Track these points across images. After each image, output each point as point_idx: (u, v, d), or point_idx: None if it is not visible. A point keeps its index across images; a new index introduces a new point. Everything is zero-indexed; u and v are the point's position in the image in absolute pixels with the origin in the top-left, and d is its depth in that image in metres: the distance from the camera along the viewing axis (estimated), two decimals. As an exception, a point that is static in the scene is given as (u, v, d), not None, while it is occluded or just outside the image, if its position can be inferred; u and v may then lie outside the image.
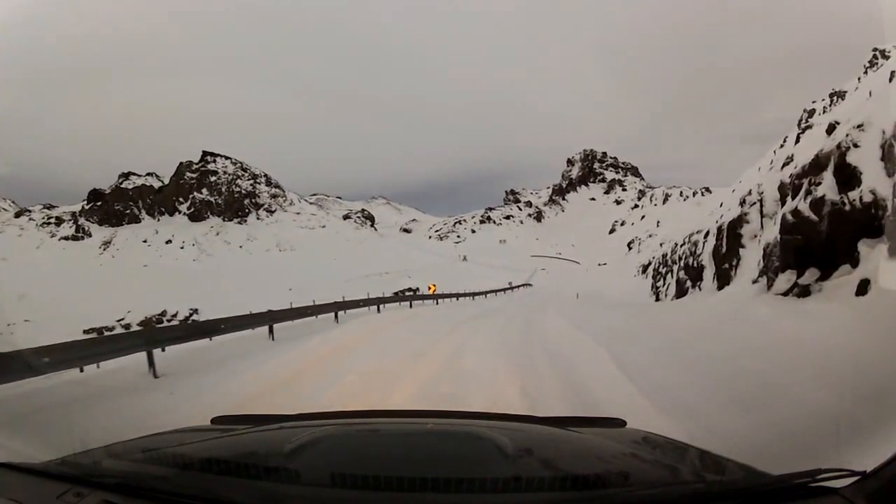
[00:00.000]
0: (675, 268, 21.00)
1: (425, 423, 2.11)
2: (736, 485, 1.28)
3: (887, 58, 23.04)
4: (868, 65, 24.43)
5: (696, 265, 16.85)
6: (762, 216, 13.47)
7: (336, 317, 16.60)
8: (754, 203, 14.17)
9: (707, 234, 17.12)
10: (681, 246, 21.75)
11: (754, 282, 11.44)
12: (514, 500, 1.23)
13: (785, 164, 13.48)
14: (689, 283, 17.55)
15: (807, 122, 31.00)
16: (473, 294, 34.78)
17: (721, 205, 30.52)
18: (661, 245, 42.25)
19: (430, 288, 25.00)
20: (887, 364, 3.86)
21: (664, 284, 22.48)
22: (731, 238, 14.25)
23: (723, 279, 13.99)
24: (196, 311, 48.50)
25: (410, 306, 22.59)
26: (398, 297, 23.15)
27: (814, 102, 31.48)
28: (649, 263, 37.72)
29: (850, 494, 1.09)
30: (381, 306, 20.55)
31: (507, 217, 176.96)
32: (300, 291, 46.03)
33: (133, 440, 1.74)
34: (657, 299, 22.59)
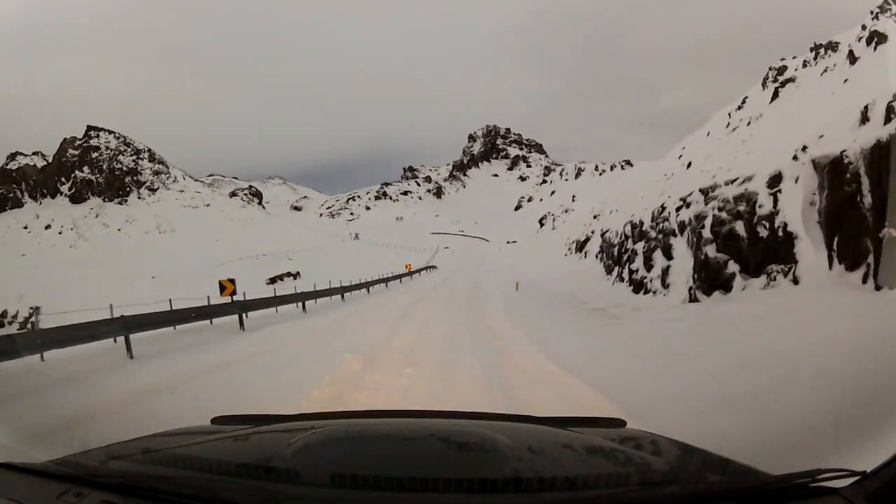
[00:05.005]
0: (681, 241, 14.03)
1: (425, 423, 2.08)
2: (736, 485, 1.30)
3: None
4: (878, 10, 21.50)
5: (764, 234, 9.76)
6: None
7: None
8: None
9: (775, 179, 10.04)
10: (679, 209, 14.86)
11: None
12: (514, 500, 1.24)
13: None
14: (732, 269, 10.48)
15: (775, 79, 29.19)
16: (344, 290, 21.84)
17: (705, 160, 24.88)
18: (595, 218, 36.66)
19: (224, 288, 13.09)
20: None
21: (650, 269, 15.51)
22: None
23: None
24: (37, 309, 43.11)
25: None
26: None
27: (782, 60, 29.27)
28: (587, 239, 31.69)
29: (850, 494, 1.11)
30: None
31: (405, 193, 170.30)
32: (164, 281, 44.00)
33: (133, 440, 1.76)
34: (639, 291, 15.67)
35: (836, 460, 1.18)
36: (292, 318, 13.97)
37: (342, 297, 21.43)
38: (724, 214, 11.21)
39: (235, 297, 13.10)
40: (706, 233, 11.83)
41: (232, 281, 12.80)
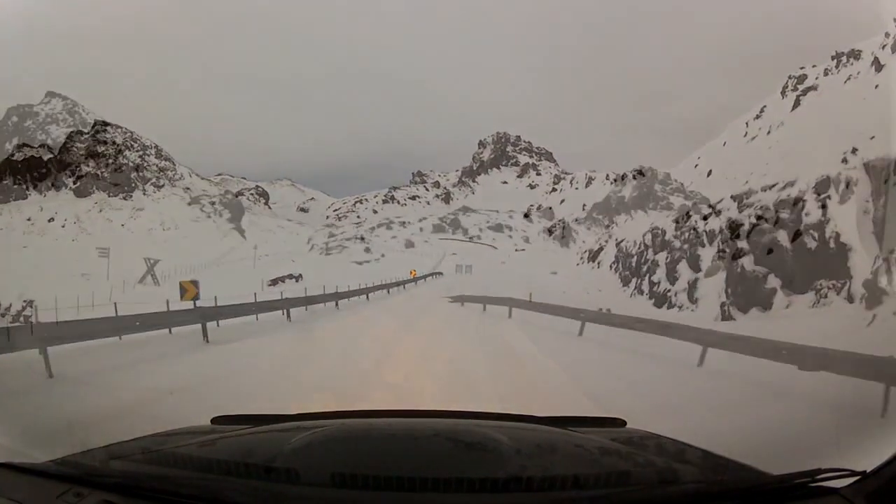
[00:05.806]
0: (710, 252, 13.20)
1: (426, 423, 2.08)
2: (736, 485, 1.29)
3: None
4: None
5: (812, 246, 8.92)
6: None
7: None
8: None
9: (823, 184, 9.21)
10: (707, 217, 14.03)
11: None
12: (514, 500, 1.24)
13: None
14: (773, 283, 9.61)
15: (795, 87, 29.18)
16: (339, 296, 19.64)
17: (727, 167, 24.07)
18: (607, 226, 35.81)
19: (185, 291, 11.62)
20: None
21: (674, 282, 14.66)
22: None
23: None
24: (30, 303, 43.03)
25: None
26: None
27: (802, 69, 28.89)
28: (600, 249, 30.85)
29: (850, 494, 1.09)
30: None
31: (413, 198, 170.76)
32: (163, 278, 44.12)
33: (133, 440, 1.77)
34: (662, 305, 14.83)
35: (836, 460, 1.17)
36: (273, 328, 12.51)
37: (336, 304, 19.59)
38: (763, 223, 10.38)
39: (198, 303, 11.44)
40: (741, 243, 11.00)
41: (194, 283, 11.30)
